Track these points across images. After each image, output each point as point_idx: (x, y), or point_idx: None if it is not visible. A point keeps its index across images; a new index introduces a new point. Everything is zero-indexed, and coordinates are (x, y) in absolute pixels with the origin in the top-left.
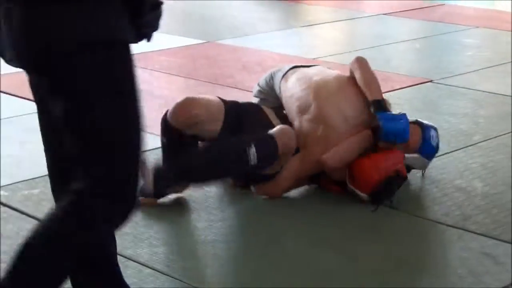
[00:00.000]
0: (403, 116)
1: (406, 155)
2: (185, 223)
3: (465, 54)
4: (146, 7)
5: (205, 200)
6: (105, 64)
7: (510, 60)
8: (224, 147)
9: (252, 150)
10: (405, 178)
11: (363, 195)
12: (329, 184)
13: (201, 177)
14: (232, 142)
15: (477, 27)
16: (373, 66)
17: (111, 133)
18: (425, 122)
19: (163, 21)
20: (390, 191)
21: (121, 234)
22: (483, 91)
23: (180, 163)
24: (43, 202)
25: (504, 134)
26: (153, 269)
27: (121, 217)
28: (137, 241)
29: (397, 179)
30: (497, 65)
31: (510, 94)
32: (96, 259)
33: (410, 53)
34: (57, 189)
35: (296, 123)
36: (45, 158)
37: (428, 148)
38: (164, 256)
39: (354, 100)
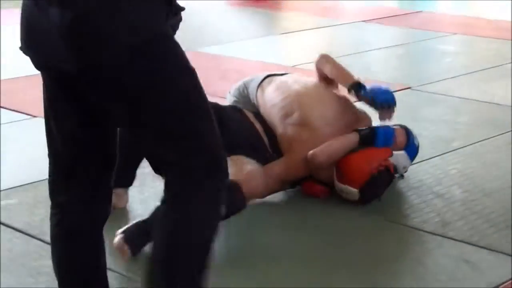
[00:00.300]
0: (384, 87)
1: (393, 152)
2: None
3: (443, 61)
4: (173, 10)
5: None
6: (170, 51)
7: (488, 67)
8: None
9: None
10: (393, 176)
11: (353, 190)
12: (312, 186)
13: None
14: None
15: (455, 33)
16: (352, 73)
17: (189, 112)
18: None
19: None
20: (380, 185)
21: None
22: (461, 98)
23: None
24: (22, 212)
25: (482, 140)
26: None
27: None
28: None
29: (387, 175)
30: (475, 71)
31: (488, 101)
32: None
33: (389, 60)
34: (59, 192)
35: (280, 129)
36: (48, 162)
37: (411, 148)
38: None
39: (334, 104)
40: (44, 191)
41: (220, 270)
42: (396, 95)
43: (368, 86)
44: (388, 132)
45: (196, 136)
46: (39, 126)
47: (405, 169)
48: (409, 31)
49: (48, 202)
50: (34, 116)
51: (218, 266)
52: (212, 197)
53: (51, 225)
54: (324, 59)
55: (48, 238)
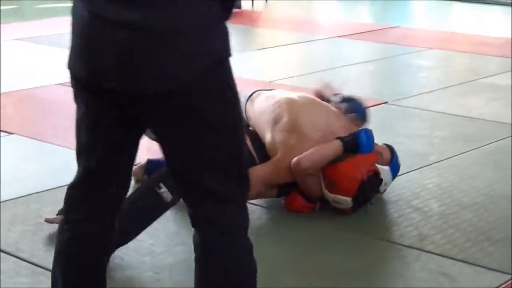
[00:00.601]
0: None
1: (378, 165)
2: (143, 249)
3: (419, 76)
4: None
5: (164, 224)
6: (231, 72)
7: (463, 81)
8: (133, 201)
9: (163, 190)
10: (381, 180)
11: (346, 199)
12: (295, 201)
13: (127, 239)
14: (139, 192)
15: (431, 48)
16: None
17: (239, 139)
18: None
19: None
20: (371, 190)
21: None
22: (438, 112)
23: None
24: None
25: (459, 154)
26: None
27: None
28: None
29: (375, 179)
30: (450, 86)
31: (464, 115)
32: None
33: (365, 75)
34: (80, 202)
35: (268, 134)
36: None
37: (395, 166)
38: (122, 282)
39: (323, 111)
40: (21, 208)
41: None
42: (372, 110)
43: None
44: (369, 135)
45: (241, 163)
46: (16, 143)
47: (386, 186)
48: (385, 46)
49: (24, 220)
50: (11, 133)
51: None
52: (247, 225)
53: (63, 237)
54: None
55: (24, 255)
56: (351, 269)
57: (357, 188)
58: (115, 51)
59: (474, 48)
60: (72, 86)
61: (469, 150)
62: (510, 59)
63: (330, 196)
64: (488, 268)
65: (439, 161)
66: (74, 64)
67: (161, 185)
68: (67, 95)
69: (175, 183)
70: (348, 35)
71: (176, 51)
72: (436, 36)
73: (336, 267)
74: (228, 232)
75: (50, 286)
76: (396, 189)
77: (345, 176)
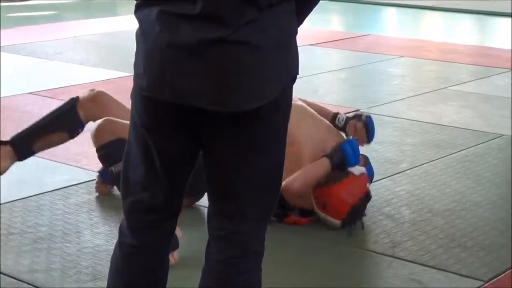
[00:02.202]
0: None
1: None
2: None
3: (390, 83)
4: None
5: None
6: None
7: (434, 89)
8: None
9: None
10: (370, 198)
11: (335, 221)
12: (291, 218)
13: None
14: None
15: (402, 56)
16: (300, 96)
17: (282, 166)
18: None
19: (86, 54)
20: (361, 212)
21: (49, 270)
22: (409, 120)
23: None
24: None
25: (430, 161)
26: None
27: None
28: (65, 277)
29: (366, 200)
30: (421, 93)
31: (435, 122)
32: None
33: (337, 83)
34: (144, 206)
35: None
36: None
37: (370, 169)
38: None
39: (318, 126)
40: None
41: None
42: None
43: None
44: (354, 146)
45: (279, 188)
46: None
47: None
48: (356, 54)
49: None
50: None
51: None
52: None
53: (123, 247)
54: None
55: None
56: (324, 276)
57: (347, 212)
58: (207, 69)
59: (445, 56)
60: (147, 108)
61: (440, 157)
62: (480, 66)
63: (321, 214)
64: (460, 275)
65: (411, 168)
66: (152, 84)
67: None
68: (38, 104)
69: (210, 201)
70: (319, 43)
71: (267, 69)
72: (407, 44)
73: (309, 275)
74: (249, 256)
75: None
76: None
77: (338, 200)
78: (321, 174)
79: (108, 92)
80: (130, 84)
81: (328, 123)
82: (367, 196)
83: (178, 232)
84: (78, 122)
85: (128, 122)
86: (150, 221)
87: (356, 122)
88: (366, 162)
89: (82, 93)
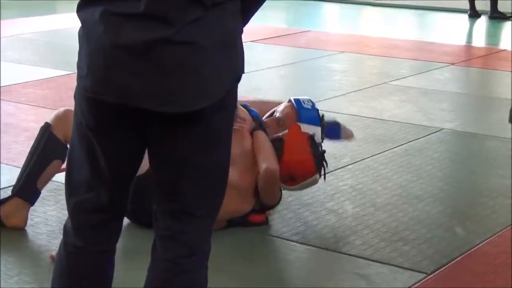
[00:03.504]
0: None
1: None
2: None
3: (331, 79)
4: None
5: None
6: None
7: (375, 84)
8: None
9: None
10: (313, 135)
11: (313, 178)
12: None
13: None
14: None
15: (343, 52)
16: (242, 93)
17: (228, 166)
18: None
19: (25, 53)
20: (322, 152)
21: None
22: (351, 115)
23: None
24: None
25: (372, 156)
26: None
27: None
28: (7, 278)
29: (314, 142)
30: (362, 89)
31: (376, 117)
32: None
33: (278, 79)
34: (87, 206)
35: None
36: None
37: (306, 112)
38: None
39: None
40: None
41: None
42: None
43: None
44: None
45: (225, 186)
46: None
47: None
48: (297, 50)
49: None
50: None
51: None
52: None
53: (67, 244)
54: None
55: None
56: (266, 272)
57: (314, 163)
58: (154, 70)
59: (385, 51)
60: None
61: (382, 152)
62: (420, 61)
63: (296, 187)
64: (403, 268)
65: (353, 163)
66: (96, 85)
67: None
68: None
69: (156, 201)
70: (260, 39)
71: (213, 68)
72: (347, 40)
73: (252, 271)
74: (196, 255)
75: None
76: (311, 192)
77: (298, 164)
78: (271, 144)
79: (48, 91)
80: (70, 82)
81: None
82: (311, 138)
83: None
84: (62, 145)
85: None
86: (94, 221)
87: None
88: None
89: (49, 118)
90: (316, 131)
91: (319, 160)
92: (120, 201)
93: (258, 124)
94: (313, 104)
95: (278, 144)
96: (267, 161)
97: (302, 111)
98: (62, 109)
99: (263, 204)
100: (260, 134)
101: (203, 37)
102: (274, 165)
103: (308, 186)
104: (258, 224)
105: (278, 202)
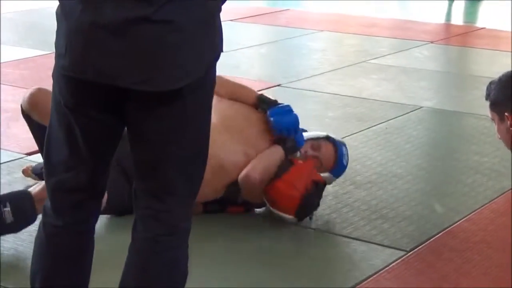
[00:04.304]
0: (288, 106)
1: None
2: None
3: (311, 58)
4: None
5: None
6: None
7: (354, 62)
8: None
9: (7, 209)
10: (324, 184)
11: (289, 217)
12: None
13: None
14: None
15: (322, 30)
16: (221, 72)
17: (207, 146)
18: (335, 137)
19: (3, 33)
20: (313, 201)
21: None
22: (330, 93)
23: None
24: None
25: (352, 134)
26: None
27: None
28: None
29: (316, 189)
30: (342, 67)
31: (355, 95)
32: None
33: (258, 58)
34: (67, 183)
35: None
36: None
37: (340, 168)
38: None
39: (240, 127)
40: None
41: None
42: (265, 92)
43: (277, 106)
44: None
45: (204, 167)
46: None
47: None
48: (277, 29)
49: None
50: None
51: None
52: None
53: (47, 224)
54: (218, 85)
55: None
56: (245, 249)
57: (298, 204)
58: (131, 48)
59: (364, 30)
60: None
61: (361, 130)
62: (399, 40)
63: (274, 212)
64: (383, 245)
65: None
66: (75, 64)
67: (7, 204)
68: None
69: (136, 180)
70: (239, 18)
71: (192, 47)
72: (326, 18)
73: (232, 250)
74: (177, 233)
75: None
76: None
77: (282, 196)
78: (276, 164)
79: (27, 71)
80: (49, 62)
81: (247, 114)
82: (317, 186)
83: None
84: (40, 126)
85: None
86: (73, 201)
87: (325, 143)
88: (336, 158)
89: (22, 99)
90: (331, 181)
91: (304, 206)
92: (99, 180)
93: (291, 147)
94: (347, 157)
95: (287, 165)
96: (252, 168)
97: (340, 166)
98: (29, 91)
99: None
100: (275, 148)
101: (182, 16)
102: (255, 175)
103: (283, 220)
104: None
105: (262, 203)
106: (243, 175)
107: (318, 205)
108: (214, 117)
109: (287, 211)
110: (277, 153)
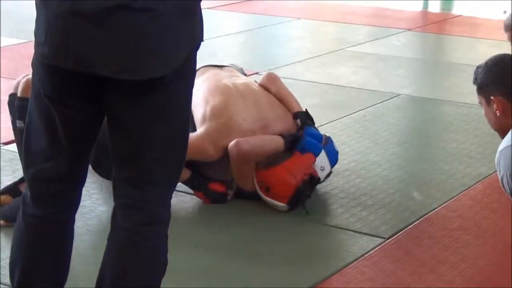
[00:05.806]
0: (321, 136)
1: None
2: None
3: (289, 46)
4: None
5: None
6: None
7: (332, 50)
8: None
9: None
10: (318, 179)
11: (281, 204)
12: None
13: None
14: None
15: (299, 18)
16: (199, 60)
17: (187, 135)
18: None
19: None
20: (306, 194)
21: None
22: (308, 81)
23: None
24: None
25: (329, 122)
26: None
27: None
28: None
29: (310, 183)
30: (319, 55)
31: (333, 83)
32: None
33: (235, 46)
34: (46, 172)
35: (200, 110)
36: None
37: (330, 147)
38: None
39: (259, 104)
40: None
41: None
42: None
43: (313, 128)
44: (313, 133)
45: (184, 156)
46: None
47: (323, 169)
48: (254, 17)
49: None
50: None
51: None
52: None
53: (26, 214)
54: (269, 80)
55: None
56: (224, 238)
57: (292, 194)
58: (114, 36)
59: (342, 17)
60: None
61: (339, 118)
62: (376, 27)
63: (266, 199)
64: (361, 233)
65: None
66: (55, 52)
67: None
68: None
69: (115, 169)
70: (217, 6)
71: (172, 36)
72: (304, 6)
73: (212, 238)
74: (156, 223)
75: None
76: None
77: (280, 181)
78: (271, 149)
79: (3, 60)
80: (26, 51)
81: (273, 99)
82: (312, 178)
83: None
84: None
85: None
86: (53, 191)
87: None
88: (327, 142)
89: (14, 88)
90: (326, 164)
91: (298, 196)
92: (78, 170)
93: (293, 143)
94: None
95: (287, 155)
96: (245, 140)
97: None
98: (22, 77)
99: (238, 188)
100: (277, 137)
101: (163, 5)
102: (245, 145)
103: (273, 206)
104: (216, 193)
105: (252, 190)
106: (233, 142)
107: (309, 196)
108: (249, 97)
109: (280, 199)
110: (275, 140)
